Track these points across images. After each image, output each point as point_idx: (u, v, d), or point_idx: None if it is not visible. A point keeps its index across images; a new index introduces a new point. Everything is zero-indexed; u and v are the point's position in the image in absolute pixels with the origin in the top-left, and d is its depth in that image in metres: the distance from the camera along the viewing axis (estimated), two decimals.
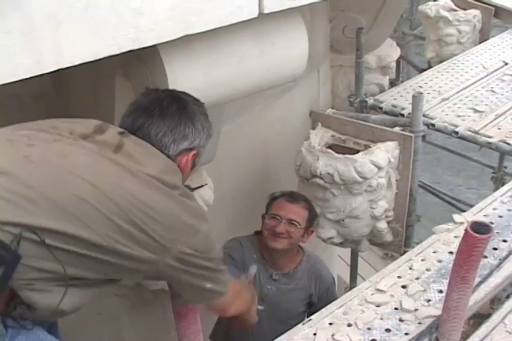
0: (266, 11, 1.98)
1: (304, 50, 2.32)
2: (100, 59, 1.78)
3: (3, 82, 1.67)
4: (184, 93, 2.06)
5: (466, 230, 1.91)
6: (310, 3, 2.12)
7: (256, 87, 2.29)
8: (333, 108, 4.80)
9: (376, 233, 3.79)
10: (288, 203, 3.30)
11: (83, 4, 1.66)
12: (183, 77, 2.07)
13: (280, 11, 2.05)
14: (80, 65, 1.76)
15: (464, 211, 3.25)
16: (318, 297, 3.45)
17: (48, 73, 1.73)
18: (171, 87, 2.08)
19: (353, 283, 5.01)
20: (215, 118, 2.86)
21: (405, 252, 3.27)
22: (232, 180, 3.91)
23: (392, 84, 5.85)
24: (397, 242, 3.92)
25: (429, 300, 2.44)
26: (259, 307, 3.21)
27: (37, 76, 1.73)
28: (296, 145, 3.76)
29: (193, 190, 3.10)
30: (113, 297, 3.50)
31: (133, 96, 2.33)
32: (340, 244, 3.94)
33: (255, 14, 1.97)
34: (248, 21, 2.00)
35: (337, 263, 6.04)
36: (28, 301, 1.69)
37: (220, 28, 1.95)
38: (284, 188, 4.24)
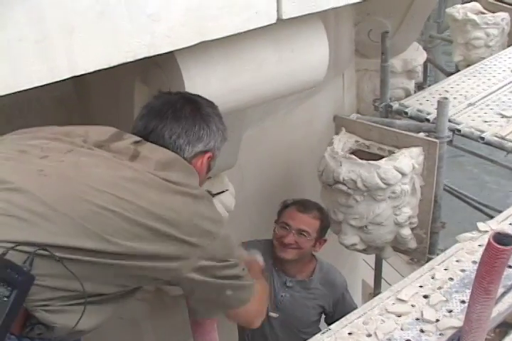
0: (284, 17, 1.95)
1: (325, 56, 2.29)
2: (115, 66, 1.76)
3: (17, 90, 1.65)
4: (197, 95, 2.03)
5: (488, 241, 1.87)
6: (330, 9, 2.07)
7: (275, 93, 2.26)
8: (358, 112, 4.77)
9: (400, 240, 3.74)
10: (299, 212, 3.23)
11: (97, 11, 1.64)
12: (201, 83, 2.05)
13: (299, 17, 2.02)
14: (95, 72, 1.74)
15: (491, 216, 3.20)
16: (333, 305, 3.38)
17: (62, 80, 1.71)
18: None
19: (377, 289, 4.96)
20: (236, 123, 2.85)
21: (430, 259, 3.23)
22: (255, 184, 3.88)
23: (420, 88, 5.80)
24: (422, 249, 3.86)
25: (451, 311, 2.39)
26: (274, 314, 3.21)
27: (54, 82, 1.72)
28: (320, 151, 3.73)
29: (214, 195, 3.09)
30: (134, 301, 3.48)
31: None
32: (364, 251, 3.89)
33: (273, 20, 1.94)
34: (267, 27, 1.97)
35: (362, 268, 5.99)
36: (45, 321, 1.64)
37: (238, 34, 1.93)
38: (307, 194, 4.22)
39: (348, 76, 4.67)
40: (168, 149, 1.91)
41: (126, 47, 1.74)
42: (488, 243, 1.87)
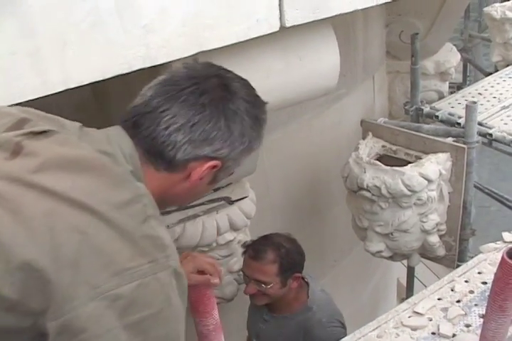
0: (287, 25, 1.89)
1: (335, 62, 2.23)
2: (111, 78, 1.73)
3: (11, 103, 1.64)
4: (243, 82, 1.55)
5: (502, 256, 1.79)
6: (335, 16, 2.02)
7: (285, 101, 2.21)
8: (390, 115, 4.70)
9: (428, 247, 3.65)
10: (251, 260, 2.82)
11: (90, 22, 1.62)
12: None
13: (305, 24, 1.97)
14: (90, 84, 1.72)
15: None
16: None
17: (56, 93, 1.70)
18: None
19: (409, 293, 4.88)
20: None
21: (459, 266, 3.15)
22: (280, 190, 3.84)
23: (459, 88, 5.68)
24: (451, 257, 3.77)
25: (469, 326, 2.31)
26: None
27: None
28: (348, 155, 3.66)
29: (233, 202, 3.07)
30: None
31: None
32: (390, 258, 3.82)
33: (276, 28, 1.89)
34: (273, 35, 1.93)
35: (396, 268, 5.90)
36: None
37: (241, 42, 1.88)
38: (334, 200, 4.20)
39: (379, 78, 4.60)
40: (156, 143, 1.43)
41: (121, 59, 1.71)
42: (502, 259, 1.79)
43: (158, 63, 1.77)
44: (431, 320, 2.37)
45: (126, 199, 1.29)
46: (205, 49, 1.80)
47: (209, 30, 1.77)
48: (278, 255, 2.78)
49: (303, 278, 2.96)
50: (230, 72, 1.55)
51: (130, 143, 1.45)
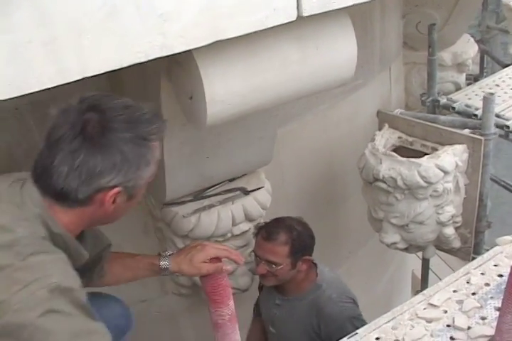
0: (305, 14, 1.87)
1: (353, 53, 2.20)
2: (128, 67, 1.72)
3: (27, 92, 1.63)
4: (118, 105, 1.70)
5: None
6: (352, 5, 1.99)
7: (300, 92, 2.19)
8: (406, 106, 4.67)
9: (443, 239, 3.64)
10: (263, 241, 2.89)
11: (106, 11, 1.60)
12: (220, 82, 1.99)
13: (322, 13, 1.95)
14: (106, 73, 1.71)
15: None
16: (331, 337, 2.88)
17: (74, 81, 1.68)
18: (207, 92, 1.98)
19: (424, 286, 4.86)
20: (269, 119, 2.80)
21: (474, 259, 3.13)
22: (296, 181, 3.83)
23: (476, 80, 5.63)
24: (466, 249, 3.75)
25: (484, 318, 2.30)
26: (271, 329, 3.12)
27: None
28: (364, 147, 3.65)
29: (248, 192, 3.07)
30: (172, 296, 3.49)
31: (176, 99, 2.29)
32: (405, 250, 3.80)
33: (293, 17, 1.87)
34: (289, 24, 1.90)
35: (411, 260, 5.89)
36: None
37: (257, 32, 1.87)
38: (349, 191, 4.18)
39: (396, 69, 4.57)
40: (58, 190, 1.64)
41: (138, 48, 1.69)
42: None
43: (175, 52, 1.75)
44: (446, 312, 2.36)
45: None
46: (221, 38, 1.78)
47: (226, 19, 1.76)
48: (290, 237, 2.86)
49: (312, 260, 3.01)
50: (103, 99, 1.72)
51: (36, 194, 1.68)
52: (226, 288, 2.02)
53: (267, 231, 2.88)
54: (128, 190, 1.72)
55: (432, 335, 2.25)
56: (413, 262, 5.93)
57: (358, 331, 2.33)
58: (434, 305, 2.39)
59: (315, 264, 3.04)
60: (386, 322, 2.35)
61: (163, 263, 2.25)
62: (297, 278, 2.98)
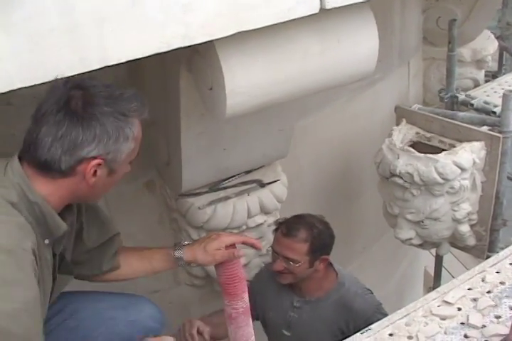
0: (328, 7, 1.86)
1: (374, 47, 2.19)
2: (149, 56, 1.72)
3: (47, 80, 1.63)
4: (100, 85, 1.79)
5: None
6: None
7: (321, 84, 2.18)
8: (424, 102, 4.64)
9: (458, 236, 3.62)
10: (283, 237, 2.83)
11: (129, 1, 1.60)
12: (241, 74, 1.98)
13: (345, 6, 1.93)
14: (128, 62, 1.70)
15: None
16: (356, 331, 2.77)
17: (94, 70, 1.68)
18: (228, 83, 1.97)
19: (437, 283, 4.85)
20: (288, 112, 2.79)
21: (489, 257, 3.12)
22: (312, 174, 3.82)
23: (494, 77, 5.59)
24: (481, 247, 3.74)
25: (499, 317, 2.27)
26: (286, 332, 3.06)
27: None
28: (381, 141, 3.64)
29: (265, 185, 3.06)
30: (184, 286, 3.49)
31: (195, 90, 2.28)
32: (420, 246, 3.79)
33: (316, 10, 1.85)
34: (311, 16, 1.89)
35: (424, 257, 5.88)
36: None
37: (279, 23, 1.86)
38: (365, 186, 4.16)
39: (415, 64, 4.54)
40: (43, 161, 1.74)
41: (160, 38, 1.69)
42: None
43: (197, 42, 1.74)
44: (460, 309, 2.34)
45: None
46: (244, 29, 1.77)
47: (248, 10, 1.75)
48: (310, 234, 2.81)
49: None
50: (87, 80, 1.79)
51: (18, 166, 1.77)
52: (242, 280, 2.02)
53: (287, 227, 2.83)
54: (108, 163, 1.80)
55: (445, 333, 2.24)
56: (426, 259, 5.92)
57: (371, 326, 2.31)
58: (449, 303, 2.37)
59: (330, 263, 3.00)
60: (400, 319, 2.33)
61: (178, 252, 2.27)
62: (316, 278, 2.93)
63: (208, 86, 2.09)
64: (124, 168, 1.90)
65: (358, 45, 2.15)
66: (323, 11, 1.89)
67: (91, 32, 1.61)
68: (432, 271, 5.92)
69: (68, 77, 1.67)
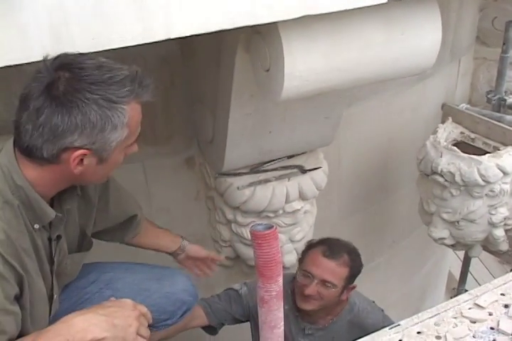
0: None
1: (437, 41, 2.16)
2: (213, 32, 1.71)
3: (109, 48, 1.64)
4: (91, 65, 1.63)
5: None
6: None
7: (379, 75, 2.15)
8: (469, 102, 4.58)
9: (491, 240, 3.58)
10: (324, 258, 2.70)
11: None
12: (301, 58, 1.96)
13: None
14: (191, 36, 1.69)
15: None
16: None
17: (157, 42, 1.68)
18: (287, 67, 1.95)
19: (461, 285, 4.82)
20: (337, 100, 2.77)
21: None
22: (351, 165, 3.80)
23: None
24: None
25: None
26: None
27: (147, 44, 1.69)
28: (423, 138, 3.61)
29: (306, 171, 3.05)
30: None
31: (251, 70, 2.26)
32: (452, 246, 3.76)
33: (384, 0, 1.84)
34: (378, 6, 1.87)
35: (450, 258, 5.85)
36: None
37: (346, 10, 1.84)
38: (402, 181, 4.12)
39: (465, 63, 4.48)
40: (26, 148, 1.66)
41: (226, 15, 1.68)
42: None
43: (262, 22, 1.73)
44: (491, 314, 2.31)
45: None
46: (311, 13, 1.76)
47: None
48: (351, 259, 2.75)
49: None
50: (78, 58, 1.63)
51: (10, 148, 1.71)
52: (278, 264, 2.00)
53: (330, 249, 2.73)
54: (96, 152, 1.69)
55: (474, 336, 2.21)
56: (451, 260, 5.89)
57: (401, 322, 2.30)
58: (480, 306, 2.34)
59: None
60: (429, 317, 2.31)
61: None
62: (331, 306, 2.83)
63: (265, 67, 2.07)
64: (118, 154, 1.77)
65: (421, 38, 2.12)
66: (391, 1, 1.87)
67: (158, 3, 1.61)
68: (454, 273, 5.90)
69: (59, 55, 1.62)
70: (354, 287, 2.84)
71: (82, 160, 1.68)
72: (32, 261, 1.79)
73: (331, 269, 2.70)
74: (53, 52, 1.59)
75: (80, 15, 1.57)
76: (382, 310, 2.97)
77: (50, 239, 1.89)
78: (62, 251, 1.98)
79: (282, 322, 2.20)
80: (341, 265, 2.71)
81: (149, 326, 1.81)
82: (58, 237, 1.92)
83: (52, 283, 1.97)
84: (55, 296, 2.00)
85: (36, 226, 1.77)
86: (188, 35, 1.68)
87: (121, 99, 1.64)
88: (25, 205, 1.71)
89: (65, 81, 1.59)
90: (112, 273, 2.34)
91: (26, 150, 1.67)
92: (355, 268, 2.76)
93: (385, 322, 2.76)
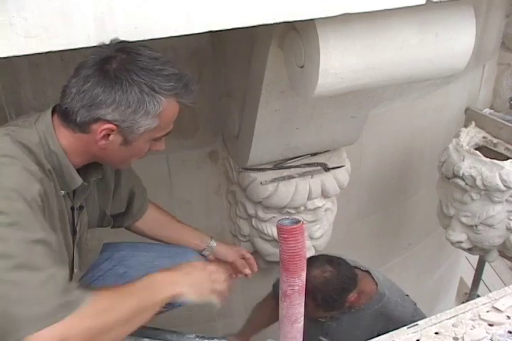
0: (435, 0, 1.86)
1: (470, 44, 2.17)
2: (252, 26, 1.72)
3: (149, 38, 1.67)
4: (145, 53, 1.75)
5: None
6: None
7: (412, 76, 2.16)
8: (491, 108, 4.57)
9: (509, 245, 3.58)
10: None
11: None
12: (337, 55, 1.96)
13: (450, 0, 1.92)
14: (232, 29, 1.71)
15: None
16: None
17: (197, 34, 1.70)
18: (322, 63, 1.96)
19: (474, 291, 4.83)
20: (365, 100, 2.78)
21: None
22: (372, 164, 3.81)
23: None
24: None
25: None
26: (323, 339, 3.06)
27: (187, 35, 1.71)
28: (445, 141, 3.61)
29: (329, 169, 3.06)
30: None
31: (283, 66, 2.28)
32: (468, 250, 3.76)
33: (423, 1, 1.85)
34: (414, 7, 1.88)
35: (462, 265, 5.85)
36: None
37: (384, 10, 1.85)
38: (422, 182, 4.13)
39: (489, 68, 4.48)
40: (64, 111, 1.78)
41: (266, 9, 1.69)
42: None
43: (302, 19, 1.74)
44: (509, 318, 2.32)
45: None
46: (350, 11, 1.77)
47: None
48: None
49: (360, 268, 3.03)
50: (140, 47, 1.75)
51: (48, 116, 1.83)
52: (302, 259, 2.02)
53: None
54: (122, 132, 1.79)
55: (491, 339, 2.23)
56: (464, 269, 5.91)
57: (418, 322, 2.31)
58: (499, 310, 2.36)
59: (367, 271, 3.04)
60: (447, 319, 2.33)
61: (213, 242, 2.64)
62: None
63: (299, 63, 2.08)
64: (143, 143, 1.87)
65: (455, 41, 2.13)
66: (428, 3, 1.88)
67: None
68: (465, 278, 5.91)
69: (123, 41, 1.70)
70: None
71: (108, 135, 1.79)
72: (62, 224, 1.88)
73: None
74: (97, 39, 1.63)
75: (125, 4, 1.60)
76: (415, 304, 3.03)
77: (72, 209, 1.98)
78: (83, 223, 2.07)
79: (302, 317, 2.22)
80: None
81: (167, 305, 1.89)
82: (81, 207, 2.02)
83: (73, 255, 2.03)
84: (75, 270, 2.06)
85: (62, 192, 1.87)
86: (229, 28, 1.70)
87: (162, 90, 1.74)
88: (56, 170, 1.82)
89: (120, 60, 1.71)
90: (125, 251, 2.41)
91: (64, 113, 1.78)
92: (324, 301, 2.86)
93: (415, 316, 2.83)
